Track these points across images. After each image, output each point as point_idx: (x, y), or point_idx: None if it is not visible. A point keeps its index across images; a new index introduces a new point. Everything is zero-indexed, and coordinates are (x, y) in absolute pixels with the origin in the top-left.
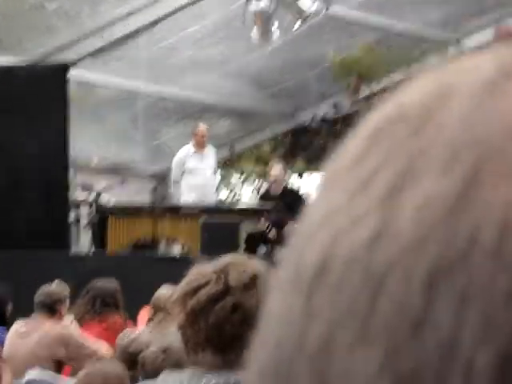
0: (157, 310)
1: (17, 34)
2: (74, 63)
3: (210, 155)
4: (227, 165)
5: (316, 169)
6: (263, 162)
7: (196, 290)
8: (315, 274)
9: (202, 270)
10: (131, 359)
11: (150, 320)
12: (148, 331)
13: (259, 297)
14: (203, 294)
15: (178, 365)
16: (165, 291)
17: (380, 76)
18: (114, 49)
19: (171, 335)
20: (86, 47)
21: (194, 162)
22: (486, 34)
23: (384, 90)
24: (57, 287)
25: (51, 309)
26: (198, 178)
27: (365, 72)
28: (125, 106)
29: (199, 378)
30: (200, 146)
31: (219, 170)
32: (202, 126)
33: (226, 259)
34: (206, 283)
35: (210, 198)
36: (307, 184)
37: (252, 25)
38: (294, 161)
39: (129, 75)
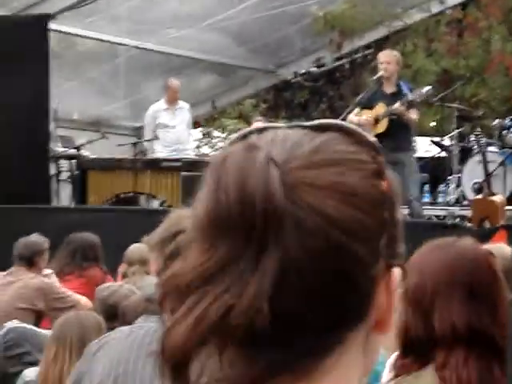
0: (130, 264)
1: None
2: (54, 16)
3: (184, 110)
4: (209, 121)
5: None
6: (245, 118)
7: (175, 235)
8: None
9: (181, 215)
10: (111, 311)
11: (123, 275)
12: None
13: None
14: (183, 238)
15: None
16: (137, 245)
17: (362, 31)
18: (94, 1)
19: (148, 287)
20: (66, 0)
21: (167, 118)
22: None
23: (366, 46)
24: (35, 239)
25: (30, 261)
26: (171, 133)
27: (347, 27)
28: (106, 60)
29: None
30: (172, 101)
31: (200, 128)
32: (175, 82)
33: None
34: (186, 228)
35: (184, 154)
36: None
37: None
38: (277, 117)
39: (110, 29)
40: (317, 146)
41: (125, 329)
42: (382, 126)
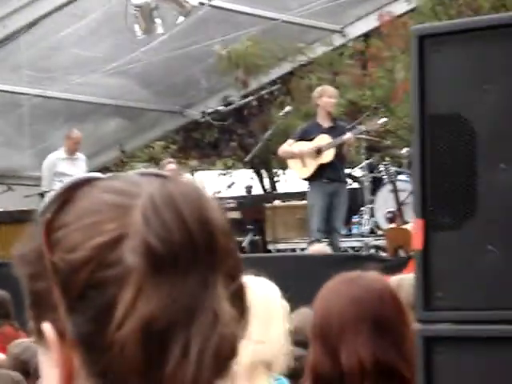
0: None
1: None
2: None
3: (81, 161)
4: (118, 166)
5: (209, 165)
6: (156, 161)
7: None
8: None
9: None
10: (23, 367)
11: None
12: None
13: None
14: None
15: None
16: None
17: (267, 68)
18: None
19: None
20: None
21: (66, 167)
22: (370, 22)
23: (272, 82)
24: None
25: None
26: None
27: (252, 64)
28: (9, 111)
29: None
30: (72, 151)
31: (109, 173)
32: (77, 133)
33: None
34: None
35: None
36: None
37: (134, 20)
38: (187, 158)
39: (11, 78)
40: None
41: None
42: (328, 157)
